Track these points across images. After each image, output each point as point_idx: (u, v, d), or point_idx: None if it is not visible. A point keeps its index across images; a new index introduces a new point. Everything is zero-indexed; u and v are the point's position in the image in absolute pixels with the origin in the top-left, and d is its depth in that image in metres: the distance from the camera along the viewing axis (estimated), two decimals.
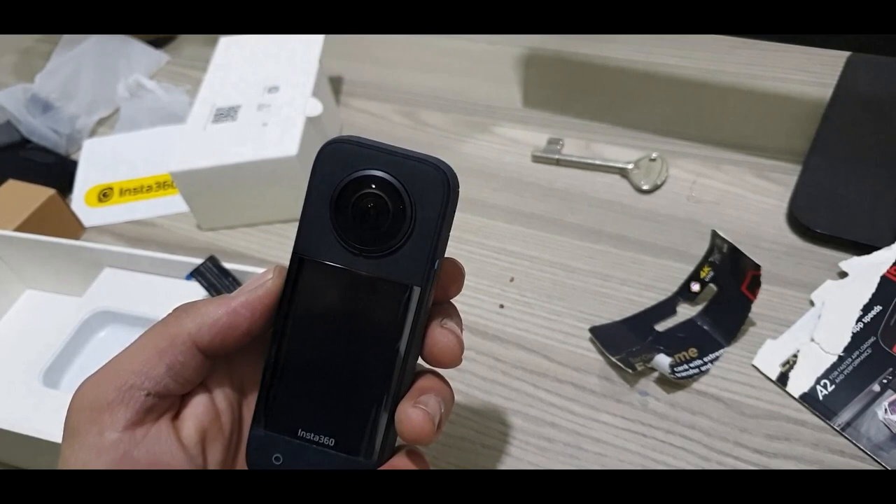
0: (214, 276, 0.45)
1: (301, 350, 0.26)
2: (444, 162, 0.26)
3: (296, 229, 0.26)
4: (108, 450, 0.24)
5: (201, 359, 0.26)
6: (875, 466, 0.37)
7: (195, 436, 0.26)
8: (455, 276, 0.28)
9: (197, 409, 0.27)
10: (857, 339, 0.40)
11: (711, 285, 0.44)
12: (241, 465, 0.28)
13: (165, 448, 0.25)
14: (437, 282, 0.27)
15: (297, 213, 0.26)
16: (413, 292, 0.25)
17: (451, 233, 0.27)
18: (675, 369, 0.40)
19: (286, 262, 0.27)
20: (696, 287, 0.45)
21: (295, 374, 0.26)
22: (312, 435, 0.26)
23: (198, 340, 0.26)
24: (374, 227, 0.25)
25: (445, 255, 0.27)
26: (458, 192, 0.26)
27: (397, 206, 0.25)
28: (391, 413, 0.26)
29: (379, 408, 0.26)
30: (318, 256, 0.26)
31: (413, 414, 0.25)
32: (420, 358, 0.27)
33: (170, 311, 0.27)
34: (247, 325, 0.26)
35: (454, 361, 0.27)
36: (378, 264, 0.25)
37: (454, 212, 0.26)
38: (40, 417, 0.39)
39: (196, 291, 0.45)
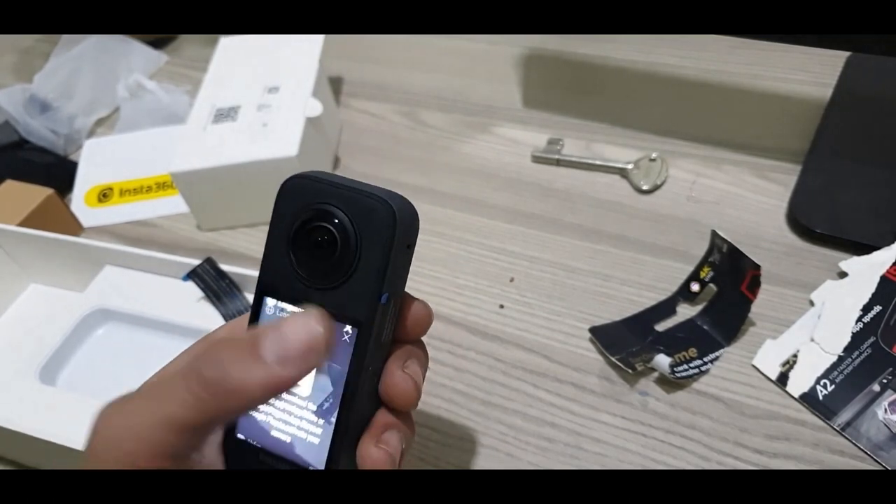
0: (211, 278, 0.45)
1: None
2: (399, 197, 0.26)
3: None
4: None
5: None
6: (875, 466, 0.37)
7: (216, 463, 0.26)
8: (419, 316, 0.27)
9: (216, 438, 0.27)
10: (856, 339, 0.40)
11: (711, 285, 0.44)
12: None
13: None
14: (394, 319, 0.27)
15: None
16: (359, 326, 0.25)
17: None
18: (675, 369, 0.40)
19: None
20: (696, 287, 0.45)
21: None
22: (271, 460, 0.27)
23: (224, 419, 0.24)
24: (323, 259, 0.25)
25: (416, 297, 0.27)
26: (412, 226, 0.26)
27: (343, 239, 0.25)
28: (342, 447, 0.26)
29: (327, 442, 0.26)
30: (276, 289, 0.26)
31: (375, 454, 0.25)
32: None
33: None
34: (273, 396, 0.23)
35: (408, 406, 0.27)
36: (328, 297, 0.26)
37: (408, 247, 0.26)
38: (35, 414, 0.39)
39: (194, 292, 0.45)
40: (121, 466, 0.23)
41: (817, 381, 0.40)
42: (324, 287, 0.26)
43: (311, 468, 0.26)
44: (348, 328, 0.25)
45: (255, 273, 0.44)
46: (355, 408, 0.26)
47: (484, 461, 0.40)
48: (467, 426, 0.41)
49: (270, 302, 0.27)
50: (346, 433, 0.26)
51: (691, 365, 0.41)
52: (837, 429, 0.38)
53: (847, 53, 0.57)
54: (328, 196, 0.25)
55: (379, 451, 0.25)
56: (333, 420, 0.26)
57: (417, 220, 0.27)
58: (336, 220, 0.25)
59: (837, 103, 0.54)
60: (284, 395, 0.27)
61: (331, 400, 0.26)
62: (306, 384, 0.26)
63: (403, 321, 0.27)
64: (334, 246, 0.25)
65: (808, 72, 0.58)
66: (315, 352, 0.22)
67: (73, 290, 0.51)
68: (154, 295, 0.46)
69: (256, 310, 0.27)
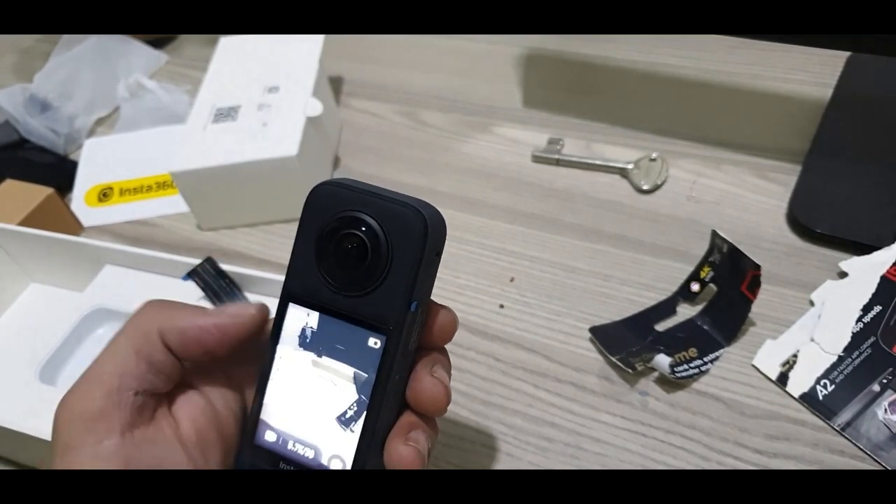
0: (211, 278, 0.45)
1: (286, 387, 0.27)
2: (428, 206, 0.26)
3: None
4: (109, 458, 0.23)
5: (172, 357, 0.26)
6: (875, 466, 0.37)
7: (193, 437, 0.26)
8: (445, 323, 0.27)
9: (194, 412, 0.27)
10: (856, 339, 0.40)
11: (711, 285, 0.44)
12: None
13: (166, 450, 0.25)
14: (422, 326, 0.27)
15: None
16: (388, 333, 0.25)
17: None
18: (675, 369, 0.40)
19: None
20: (696, 287, 0.45)
21: (279, 409, 0.27)
22: (292, 469, 0.27)
23: (166, 340, 0.25)
24: (353, 266, 0.25)
25: (442, 304, 0.27)
26: (441, 234, 0.26)
27: (374, 247, 0.25)
28: (367, 456, 0.26)
29: (351, 451, 0.26)
30: (302, 295, 0.26)
31: (404, 452, 0.25)
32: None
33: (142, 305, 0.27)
34: (213, 345, 0.26)
35: (439, 411, 0.27)
36: (356, 304, 0.26)
37: (438, 255, 0.26)
38: (35, 414, 0.39)
39: (193, 292, 0.45)
40: (90, 438, 0.24)
41: (817, 381, 0.40)
42: (352, 294, 0.26)
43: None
44: (375, 335, 0.25)
45: (255, 273, 0.44)
46: (382, 416, 0.26)
47: (484, 461, 0.40)
48: (467, 426, 0.41)
49: (295, 308, 0.27)
50: (372, 441, 0.26)
51: (691, 365, 0.41)
52: (837, 429, 0.38)
53: (847, 53, 0.57)
54: (358, 203, 0.25)
55: (408, 448, 0.25)
56: (357, 428, 0.26)
57: (445, 227, 0.27)
58: (366, 228, 0.25)
59: (837, 103, 0.54)
60: (307, 404, 0.26)
61: (355, 407, 0.26)
62: (331, 392, 0.26)
63: (429, 328, 0.27)
64: (365, 253, 0.25)
65: (808, 72, 0.58)
66: (243, 318, 0.26)
67: (73, 290, 0.51)
68: (154, 294, 0.45)
69: (280, 316, 0.27)
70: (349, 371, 0.26)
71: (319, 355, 0.26)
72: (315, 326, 0.26)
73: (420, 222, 0.25)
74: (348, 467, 0.26)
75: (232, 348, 0.27)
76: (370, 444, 0.26)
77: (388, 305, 0.25)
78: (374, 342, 0.25)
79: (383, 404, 0.26)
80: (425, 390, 0.26)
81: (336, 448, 0.26)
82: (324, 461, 0.26)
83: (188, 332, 0.26)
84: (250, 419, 0.27)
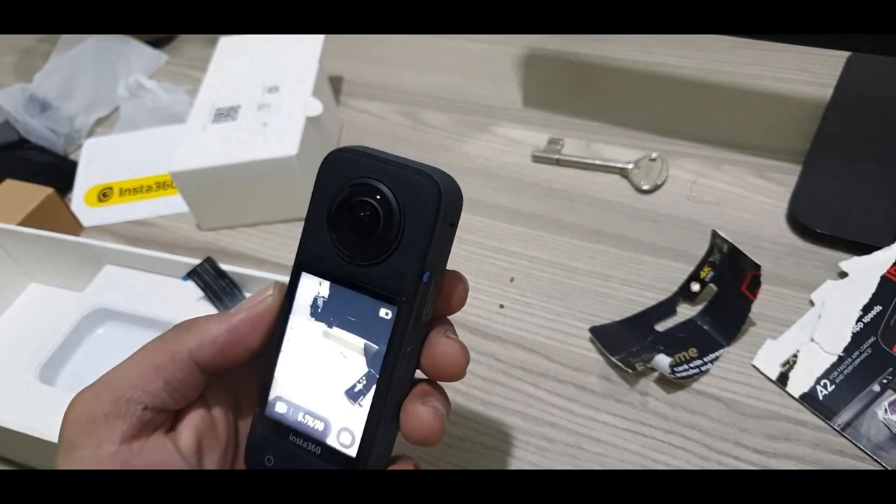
0: (211, 278, 0.45)
1: (297, 357, 0.27)
2: (442, 173, 0.25)
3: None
4: (106, 462, 0.24)
5: (199, 375, 0.26)
6: (875, 466, 0.37)
7: (192, 445, 0.26)
8: (457, 292, 0.27)
9: (194, 419, 0.27)
10: (857, 339, 0.40)
11: (711, 285, 0.44)
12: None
13: (164, 457, 0.25)
14: (436, 298, 0.26)
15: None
16: (399, 304, 0.25)
17: None
18: (675, 369, 0.40)
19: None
20: (696, 287, 0.45)
21: (289, 380, 0.27)
22: (301, 441, 0.26)
23: (197, 358, 0.26)
24: (365, 235, 0.25)
25: (453, 270, 0.27)
26: (456, 203, 0.26)
27: (386, 214, 0.25)
28: (376, 429, 0.25)
29: (361, 424, 0.25)
30: (314, 265, 0.26)
31: (423, 411, 0.25)
32: (423, 373, 0.27)
33: (171, 325, 0.27)
34: (247, 341, 0.26)
35: (458, 371, 0.26)
36: (368, 273, 0.25)
37: (453, 225, 0.26)
38: (35, 414, 0.39)
39: (193, 292, 0.45)
40: (91, 441, 0.24)
41: (817, 382, 0.40)
42: (364, 263, 0.25)
43: (342, 451, 0.26)
44: (387, 305, 0.25)
45: (255, 273, 0.44)
46: (392, 390, 0.25)
47: (484, 461, 0.40)
48: (467, 426, 0.41)
49: (307, 277, 0.26)
50: (381, 416, 0.25)
51: (691, 365, 0.41)
52: (837, 429, 0.38)
53: (847, 53, 0.57)
54: (371, 170, 0.25)
55: (426, 407, 0.25)
56: (367, 402, 0.25)
57: (461, 197, 0.26)
58: (379, 196, 0.25)
59: (837, 103, 0.54)
60: (317, 375, 0.26)
61: (364, 381, 0.25)
62: (341, 364, 0.26)
63: (443, 298, 0.27)
64: (376, 221, 0.25)
65: (808, 72, 0.58)
66: (265, 303, 0.27)
67: (73, 290, 0.51)
68: (154, 294, 0.46)
69: (293, 286, 0.26)
70: (360, 343, 0.25)
71: (330, 326, 0.26)
72: (327, 296, 0.26)
73: (433, 189, 0.24)
74: (357, 441, 0.25)
75: (265, 337, 0.27)
76: (379, 419, 0.25)
77: (399, 275, 0.25)
78: (385, 313, 0.25)
79: (393, 378, 0.25)
80: (444, 352, 0.26)
81: (345, 421, 0.26)
82: (333, 434, 0.26)
83: (221, 338, 0.26)
84: (261, 390, 0.27)
